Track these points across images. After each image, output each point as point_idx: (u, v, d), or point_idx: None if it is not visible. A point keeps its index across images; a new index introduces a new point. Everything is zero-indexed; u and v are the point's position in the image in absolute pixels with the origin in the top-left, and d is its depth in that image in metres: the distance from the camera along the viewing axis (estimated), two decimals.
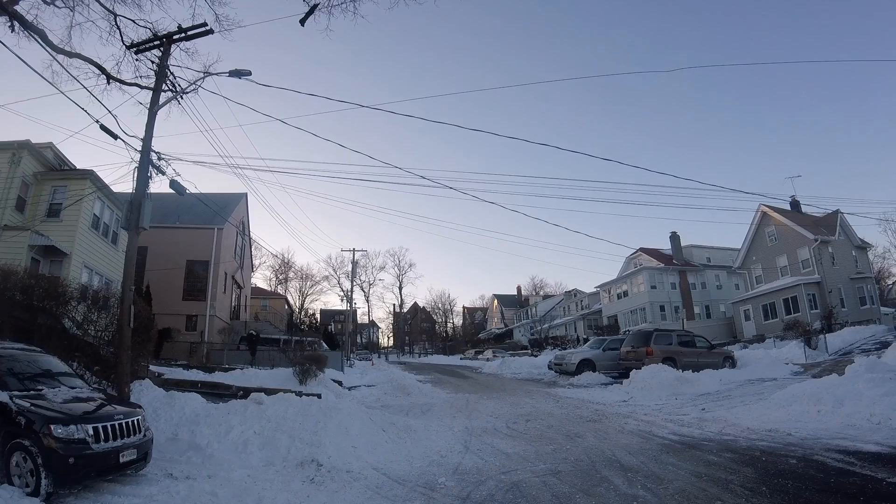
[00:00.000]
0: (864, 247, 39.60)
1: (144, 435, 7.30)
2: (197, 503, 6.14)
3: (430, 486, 7.20)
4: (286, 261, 77.93)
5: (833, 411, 10.22)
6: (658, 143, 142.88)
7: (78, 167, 22.93)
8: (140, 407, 7.92)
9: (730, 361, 22.65)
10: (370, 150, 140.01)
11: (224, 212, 32.27)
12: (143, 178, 11.59)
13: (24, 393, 6.68)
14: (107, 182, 21.15)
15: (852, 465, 7.14)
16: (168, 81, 12.47)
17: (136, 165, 11.67)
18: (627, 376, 19.42)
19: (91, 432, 6.39)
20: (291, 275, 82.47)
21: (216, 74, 12.96)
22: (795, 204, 38.46)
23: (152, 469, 7.56)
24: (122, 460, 6.70)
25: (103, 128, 11.67)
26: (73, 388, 7.60)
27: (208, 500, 6.28)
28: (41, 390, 6.97)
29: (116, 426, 6.75)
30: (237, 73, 12.68)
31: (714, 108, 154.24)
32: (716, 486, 6.53)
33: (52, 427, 6.09)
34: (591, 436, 10.46)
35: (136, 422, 7.15)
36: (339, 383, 20.29)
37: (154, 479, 7.23)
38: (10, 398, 6.40)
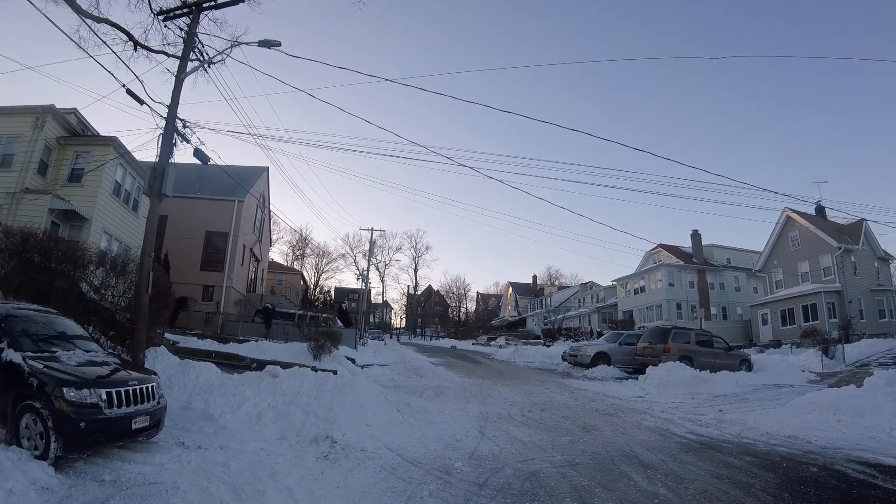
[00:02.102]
0: (886, 259, 38.89)
1: (158, 402, 7.17)
2: (208, 474, 5.98)
3: (446, 470, 7.05)
4: (304, 236, 78.11)
5: (853, 422, 9.94)
6: (682, 141, 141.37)
7: (102, 134, 22.98)
8: (155, 374, 7.77)
9: (746, 364, 22.18)
10: (397, 129, 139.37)
11: (246, 184, 32.26)
12: (167, 145, 11.51)
13: (38, 354, 6.59)
14: (130, 149, 21.24)
15: (874, 477, 6.90)
16: (196, 50, 12.38)
17: (161, 132, 11.60)
18: (642, 372, 19.14)
19: (104, 397, 6.26)
20: (308, 251, 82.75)
21: (245, 44, 12.88)
22: (820, 209, 37.94)
23: (164, 437, 7.47)
24: (134, 427, 6.57)
25: (129, 92, 11.57)
26: (87, 351, 7.49)
27: (220, 471, 6.14)
28: (55, 352, 6.87)
29: (130, 392, 6.62)
30: (266, 44, 12.61)
31: (742, 107, 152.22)
32: (737, 489, 6.34)
33: (65, 390, 5.98)
34: (607, 429, 10.28)
35: (150, 388, 7.02)
36: (353, 361, 20.22)
37: (165, 447, 7.12)
38: (24, 359, 6.31)
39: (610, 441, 9.15)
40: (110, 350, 10.11)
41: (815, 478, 6.85)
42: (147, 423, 6.80)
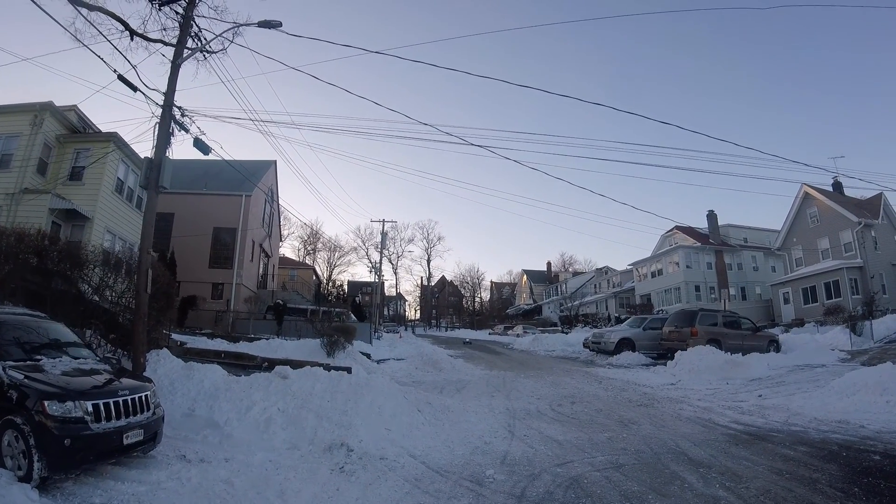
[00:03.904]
0: None
1: (153, 413, 6.48)
2: (209, 494, 5.32)
3: (476, 479, 6.31)
4: (315, 231, 77.71)
5: None
6: (692, 121, 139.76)
7: (102, 129, 22.44)
8: (150, 381, 7.09)
9: (774, 345, 21.47)
10: (407, 108, 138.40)
11: (253, 178, 31.53)
12: (164, 134, 11.01)
13: (19, 363, 5.94)
14: (130, 141, 20.63)
15: None
16: (192, 34, 11.89)
17: (158, 121, 11.01)
18: (669, 357, 18.52)
19: (90, 410, 5.60)
20: (320, 245, 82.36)
21: (245, 25, 12.44)
22: (837, 185, 37.55)
23: (164, 449, 6.83)
24: (125, 442, 5.89)
25: (121, 78, 11.07)
26: (76, 358, 6.83)
27: (223, 490, 5.47)
28: (39, 361, 6.23)
29: (120, 403, 5.95)
30: (267, 24, 12.23)
31: (752, 87, 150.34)
32: (802, 486, 5.77)
33: (46, 403, 5.34)
34: (646, 422, 9.59)
35: (143, 398, 6.34)
36: (368, 356, 19.65)
37: (164, 461, 6.47)
38: (3, 369, 5.67)
39: (651, 436, 8.50)
40: (108, 355, 9.58)
41: (880, 467, 6.39)
42: (141, 437, 6.12)
